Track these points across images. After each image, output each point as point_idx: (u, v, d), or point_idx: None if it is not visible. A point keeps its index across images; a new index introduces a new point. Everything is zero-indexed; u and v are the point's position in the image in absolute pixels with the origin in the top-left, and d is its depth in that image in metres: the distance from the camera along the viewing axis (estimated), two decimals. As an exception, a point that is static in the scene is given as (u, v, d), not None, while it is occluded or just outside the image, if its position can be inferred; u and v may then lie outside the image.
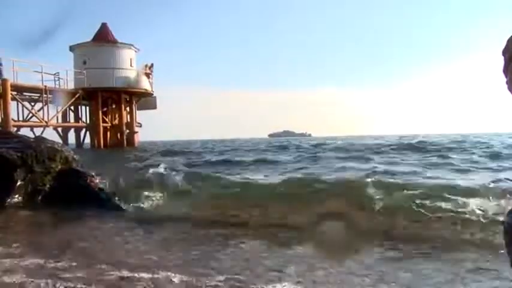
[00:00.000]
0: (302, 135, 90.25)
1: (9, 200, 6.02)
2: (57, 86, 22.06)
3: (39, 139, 7.59)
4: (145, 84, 25.10)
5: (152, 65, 25.98)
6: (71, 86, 23.10)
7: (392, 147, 17.59)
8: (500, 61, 1.62)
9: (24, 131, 19.05)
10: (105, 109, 24.64)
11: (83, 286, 2.66)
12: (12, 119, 19.47)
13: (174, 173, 7.51)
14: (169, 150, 20.31)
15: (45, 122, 21.21)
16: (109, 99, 24.74)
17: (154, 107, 26.67)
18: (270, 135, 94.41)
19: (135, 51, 25.38)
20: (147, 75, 25.45)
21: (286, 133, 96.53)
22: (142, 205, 6.06)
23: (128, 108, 25.30)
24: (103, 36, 24.88)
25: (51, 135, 21.12)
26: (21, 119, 20.98)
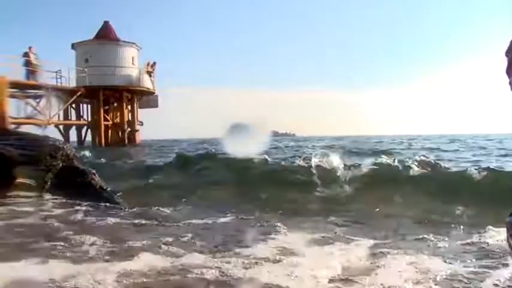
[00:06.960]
0: (286, 134, 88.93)
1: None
2: (58, 84, 22.08)
3: (41, 136, 7.59)
4: (147, 82, 25.08)
5: (154, 63, 25.93)
6: (72, 83, 23.12)
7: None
8: (504, 62, 1.60)
9: (25, 129, 19.03)
10: (106, 107, 24.61)
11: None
12: (11, 117, 19.41)
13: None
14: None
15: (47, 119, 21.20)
16: (111, 98, 24.71)
17: (156, 106, 26.67)
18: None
19: (138, 50, 25.37)
20: (149, 73, 25.41)
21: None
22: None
23: (129, 107, 25.30)
24: (105, 34, 24.87)
25: (52, 133, 21.16)
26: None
